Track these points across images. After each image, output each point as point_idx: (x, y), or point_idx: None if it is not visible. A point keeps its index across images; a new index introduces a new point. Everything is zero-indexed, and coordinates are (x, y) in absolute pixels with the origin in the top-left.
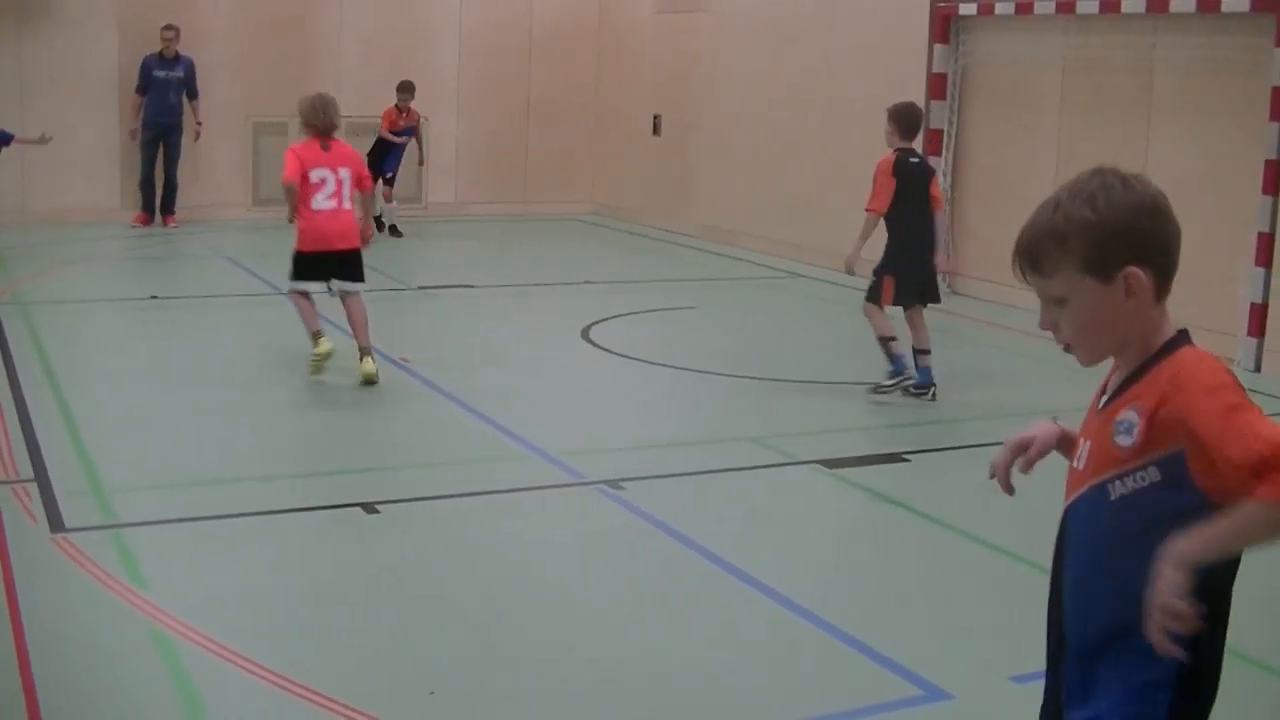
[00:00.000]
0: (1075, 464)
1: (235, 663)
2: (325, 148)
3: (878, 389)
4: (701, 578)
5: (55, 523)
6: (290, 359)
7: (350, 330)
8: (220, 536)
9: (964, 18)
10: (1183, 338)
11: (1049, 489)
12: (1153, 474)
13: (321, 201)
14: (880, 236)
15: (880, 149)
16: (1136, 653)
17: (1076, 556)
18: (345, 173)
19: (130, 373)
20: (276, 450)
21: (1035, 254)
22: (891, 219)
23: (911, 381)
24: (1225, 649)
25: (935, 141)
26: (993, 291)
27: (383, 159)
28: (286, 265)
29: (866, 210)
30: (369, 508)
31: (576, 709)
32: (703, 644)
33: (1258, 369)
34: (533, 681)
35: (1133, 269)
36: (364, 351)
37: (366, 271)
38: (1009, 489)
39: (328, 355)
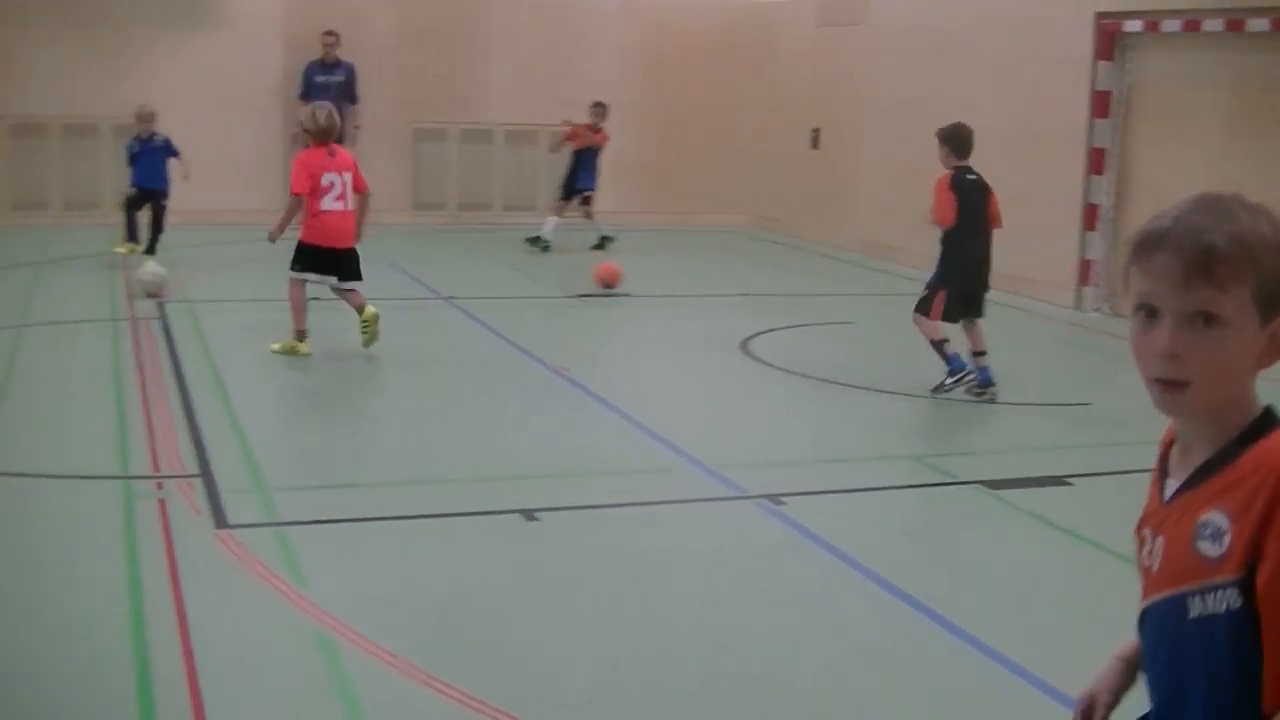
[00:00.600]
0: (1146, 559)
1: (393, 665)
2: (331, 154)
3: (940, 388)
4: (861, 596)
5: (219, 518)
6: (452, 363)
7: (350, 307)
8: (380, 538)
9: (1129, 34)
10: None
11: None
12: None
13: (330, 203)
14: (931, 246)
15: (1042, 165)
16: None
17: (1158, 671)
18: (348, 176)
19: (294, 372)
20: (438, 454)
21: (1218, 258)
22: (949, 235)
23: (974, 379)
24: None
25: (1098, 160)
26: None
27: (576, 176)
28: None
29: (935, 223)
30: (528, 515)
31: None
32: (860, 663)
33: None
34: (686, 694)
35: None
36: (360, 308)
37: (529, 281)
38: None
39: (304, 355)
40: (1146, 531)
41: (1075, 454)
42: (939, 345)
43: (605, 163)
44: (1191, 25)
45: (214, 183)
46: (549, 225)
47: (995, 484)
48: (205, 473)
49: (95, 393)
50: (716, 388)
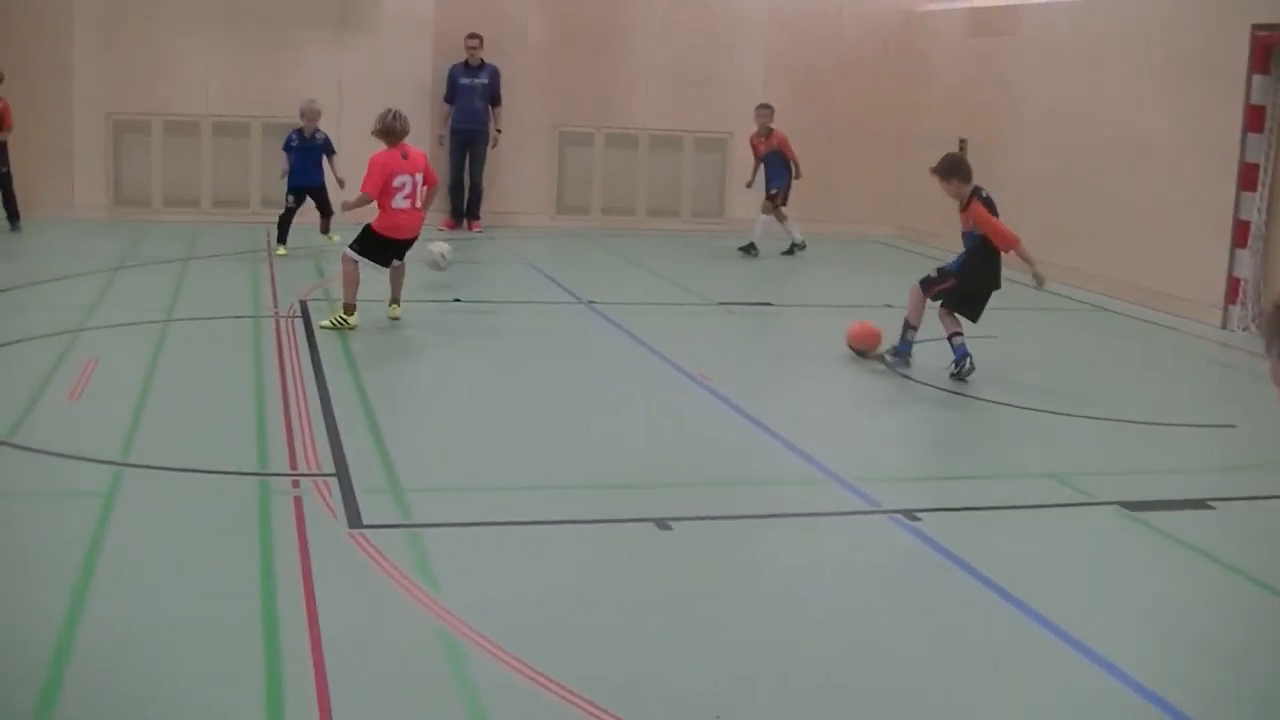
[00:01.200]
0: None
1: (521, 672)
2: (404, 155)
3: (893, 358)
4: (994, 616)
5: (353, 518)
6: (590, 368)
7: (390, 285)
8: (512, 543)
9: None
10: None
11: None
12: None
13: (400, 201)
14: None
15: (1193, 179)
16: None
17: None
18: (419, 176)
19: (432, 373)
20: (573, 460)
21: None
22: (983, 243)
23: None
24: None
25: (1250, 176)
26: None
27: (768, 182)
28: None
29: (1010, 247)
30: (661, 523)
31: None
32: (990, 680)
33: None
34: (816, 706)
35: None
36: (395, 302)
37: (671, 287)
38: None
39: (351, 327)
40: None
41: (1217, 477)
42: (911, 326)
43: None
44: None
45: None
46: (756, 229)
47: (1133, 505)
48: (341, 472)
49: (236, 390)
50: (855, 400)
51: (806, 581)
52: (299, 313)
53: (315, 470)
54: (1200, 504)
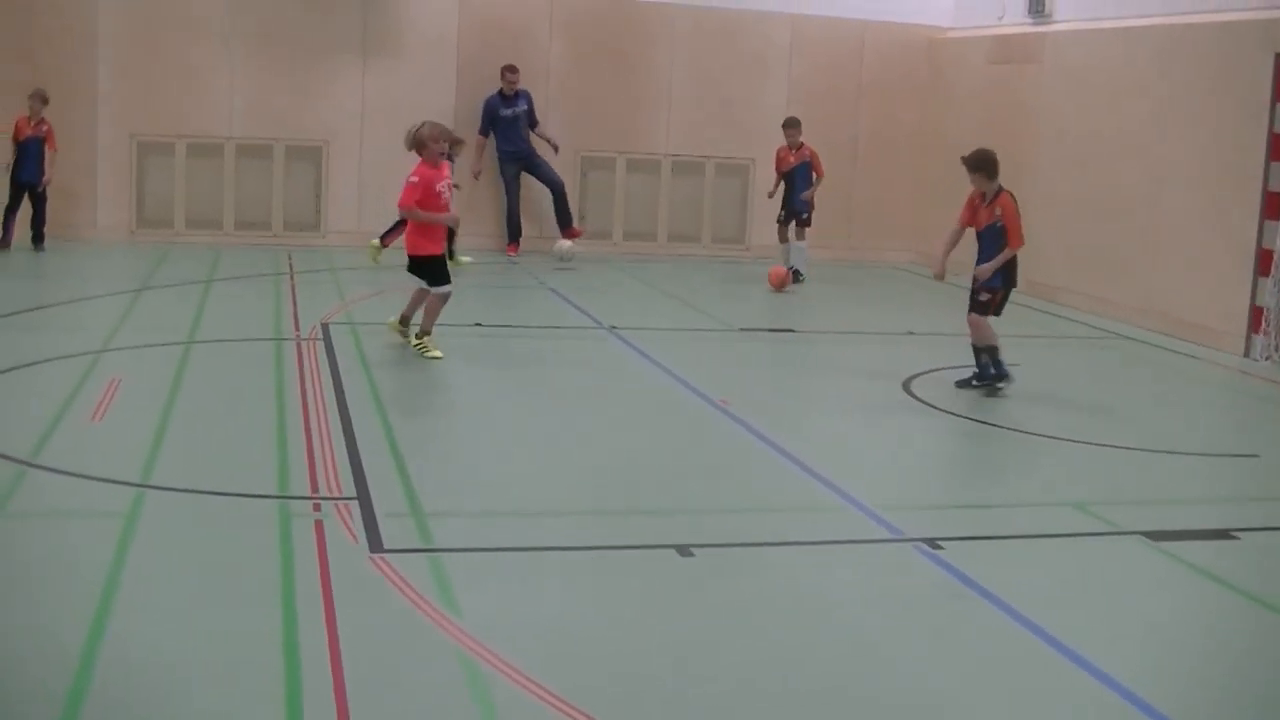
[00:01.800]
0: None
1: (543, 697)
2: (438, 166)
3: (977, 385)
4: (1017, 645)
5: (374, 542)
6: (611, 392)
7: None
8: (534, 569)
9: None
10: None
11: None
12: None
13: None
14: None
15: (1216, 207)
16: None
17: None
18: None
19: (454, 398)
20: (594, 485)
21: None
22: (1002, 241)
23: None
24: None
25: (1275, 204)
26: None
27: (789, 200)
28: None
29: (1016, 248)
30: (683, 550)
31: None
32: (1015, 710)
33: None
34: None
35: None
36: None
37: (692, 312)
38: None
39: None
40: None
41: (1241, 507)
42: (996, 350)
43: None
44: None
45: (388, 206)
46: (792, 255)
47: (1156, 535)
48: (362, 496)
49: (258, 411)
50: (877, 427)
51: (829, 609)
52: (321, 335)
53: (336, 493)
54: (1224, 534)
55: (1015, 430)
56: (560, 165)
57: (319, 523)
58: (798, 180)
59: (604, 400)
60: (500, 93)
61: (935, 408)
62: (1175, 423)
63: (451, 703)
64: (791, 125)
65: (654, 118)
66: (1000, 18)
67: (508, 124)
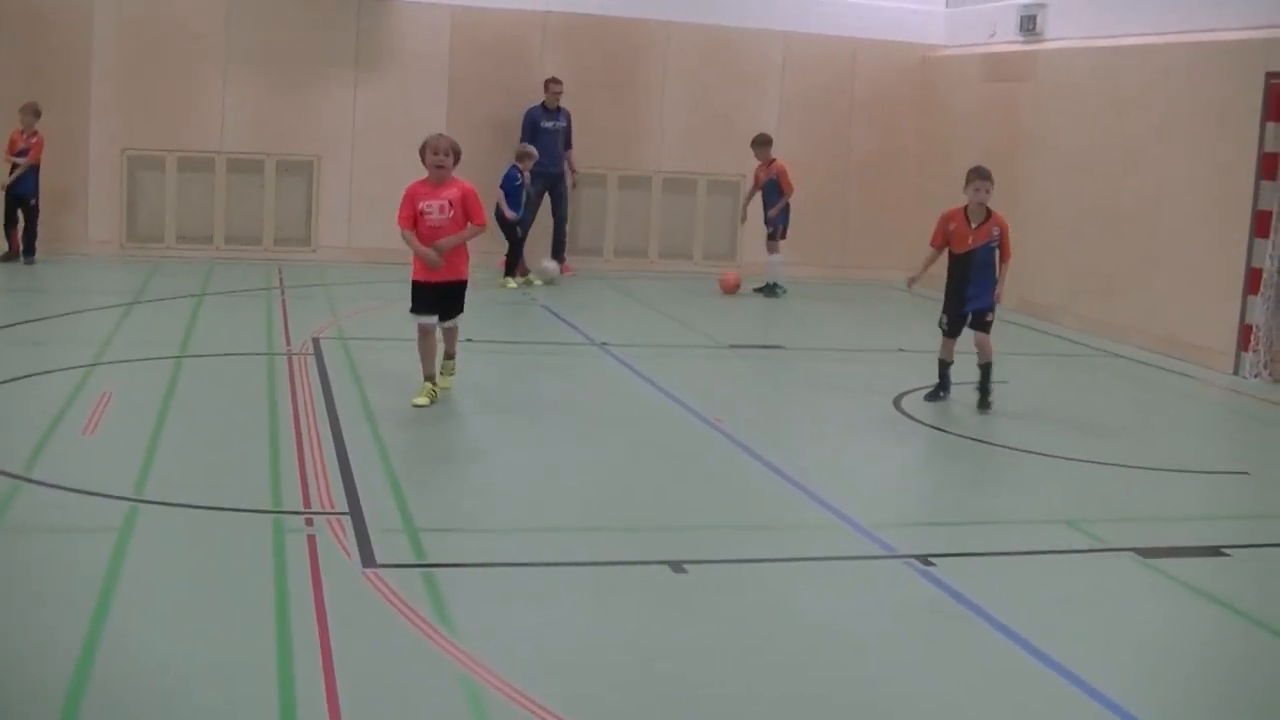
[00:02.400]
0: None
1: (538, 714)
2: (439, 183)
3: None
4: (1009, 662)
5: (367, 558)
6: (603, 409)
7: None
8: (527, 584)
9: None
10: None
11: None
12: None
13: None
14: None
15: (1207, 226)
16: None
17: None
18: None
19: (446, 414)
20: (587, 501)
21: None
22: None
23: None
24: None
25: (1264, 223)
26: None
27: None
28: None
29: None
30: (676, 566)
31: None
32: None
33: None
34: None
35: None
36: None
37: (683, 329)
38: None
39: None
40: None
41: (1232, 524)
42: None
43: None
44: None
45: (378, 221)
46: (769, 267)
47: (1147, 552)
48: (355, 511)
49: (249, 426)
50: (868, 444)
51: (821, 626)
52: (312, 350)
53: (329, 509)
54: (1215, 551)
55: (1006, 447)
56: None
57: (312, 538)
58: (768, 196)
59: (596, 417)
60: (543, 105)
61: (926, 424)
62: (1166, 440)
63: (446, 718)
64: (759, 144)
65: (646, 134)
66: (992, 35)
67: (547, 137)
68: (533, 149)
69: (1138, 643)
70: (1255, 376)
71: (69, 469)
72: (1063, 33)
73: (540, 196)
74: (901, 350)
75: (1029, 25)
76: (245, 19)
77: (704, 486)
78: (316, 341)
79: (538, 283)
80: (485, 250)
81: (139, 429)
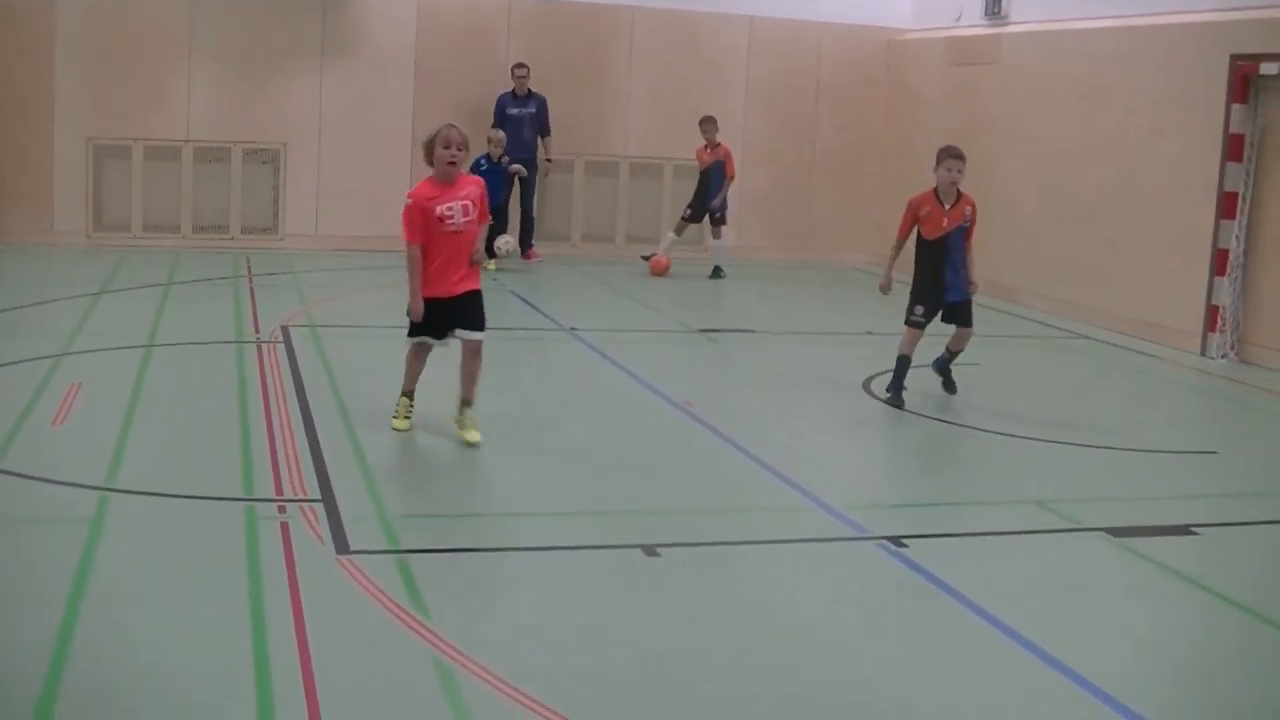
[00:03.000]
0: None
1: (513, 697)
2: (450, 181)
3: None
4: (982, 641)
5: (340, 544)
6: (573, 394)
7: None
8: (501, 569)
9: (1265, 77)
10: None
11: None
12: None
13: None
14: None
15: (1172, 208)
16: None
17: None
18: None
19: (418, 400)
20: (559, 486)
21: None
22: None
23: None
24: None
25: (1230, 204)
26: None
27: (708, 197)
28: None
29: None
30: (649, 550)
31: None
32: (977, 708)
33: None
34: None
35: None
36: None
37: (651, 314)
38: None
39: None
40: None
41: (1201, 503)
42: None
43: (732, 198)
44: None
45: (346, 210)
46: (713, 253)
47: (1119, 531)
48: (327, 498)
49: (220, 415)
50: (838, 426)
51: (794, 608)
52: (281, 338)
53: (301, 496)
54: (1184, 529)
55: (977, 429)
56: None
57: (285, 525)
58: (712, 178)
59: (566, 402)
60: (513, 91)
61: (895, 407)
62: (1135, 421)
63: (422, 703)
64: (707, 122)
65: (612, 120)
66: (957, 19)
67: (514, 124)
68: (497, 134)
69: (1110, 621)
70: (1222, 357)
71: (39, 459)
72: (1028, 16)
73: (510, 181)
74: (870, 333)
75: (994, 9)
76: (210, 7)
77: (675, 470)
78: (286, 329)
79: (491, 267)
80: None
81: (109, 419)
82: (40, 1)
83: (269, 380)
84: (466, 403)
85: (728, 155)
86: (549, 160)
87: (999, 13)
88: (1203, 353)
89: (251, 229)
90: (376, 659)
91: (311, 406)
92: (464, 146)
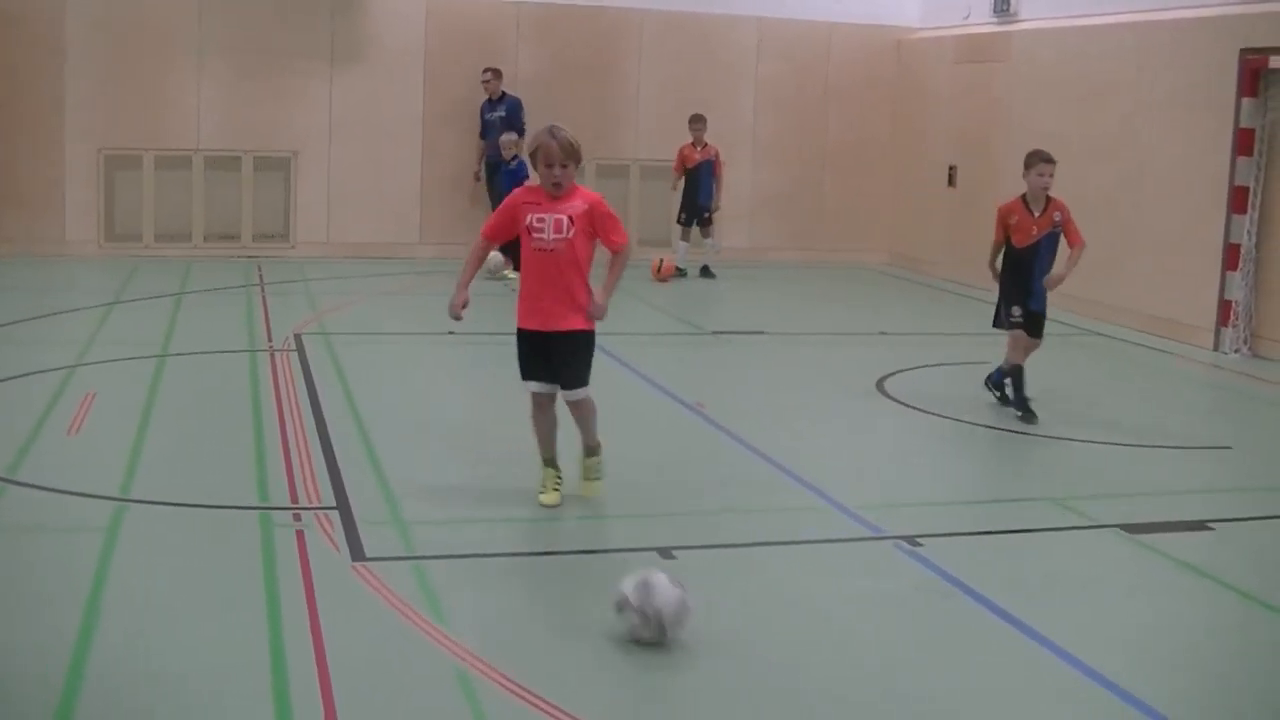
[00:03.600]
0: None
1: (533, 704)
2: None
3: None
4: (1000, 641)
5: (356, 551)
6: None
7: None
8: (516, 573)
9: (1274, 71)
10: None
11: None
12: None
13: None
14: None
15: (1184, 203)
16: None
17: None
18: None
19: (429, 405)
20: (575, 489)
21: None
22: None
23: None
24: None
25: (1241, 199)
26: None
27: (697, 195)
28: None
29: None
30: (665, 553)
31: None
32: (998, 706)
33: None
34: None
35: None
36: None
37: (663, 316)
38: None
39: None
40: None
41: (1216, 498)
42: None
43: (741, 198)
44: None
45: (357, 216)
46: (680, 252)
47: (1134, 528)
48: (342, 505)
49: (234, 423)
50: (852, 427)
51: (812, 609)
52: (294, 346)
53: (316, 503)
54: (1199, 525)
55: (990, 427)
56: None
57: (300, 533)
58: (701, 178)
59: None
60: (489, 97)
61: (910, 406)
62: (1149, 417)
63: (441, 709)
64: (697, 121)
65: (623, 122)
66: (966, 17)
67: (491, 127)
68: (509, 137)
69: (1126, 618)
70: (1235, 352)
71: (54, 470)
72: (1036, 13)
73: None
74: (883, 333)
75: (1003, 6)
76: (218, 15)
77: (690, 472)
78: (298, 337)
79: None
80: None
81: (123, 428)
82: (50, 12)
83: (282, 388)
84: (587, 450)
85: (717, 156)
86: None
87: (1008, 10)
88: (1216, 348)
89: (263, 236)
90: (393, 665)
91: (325, 414)
92: (570, 158)
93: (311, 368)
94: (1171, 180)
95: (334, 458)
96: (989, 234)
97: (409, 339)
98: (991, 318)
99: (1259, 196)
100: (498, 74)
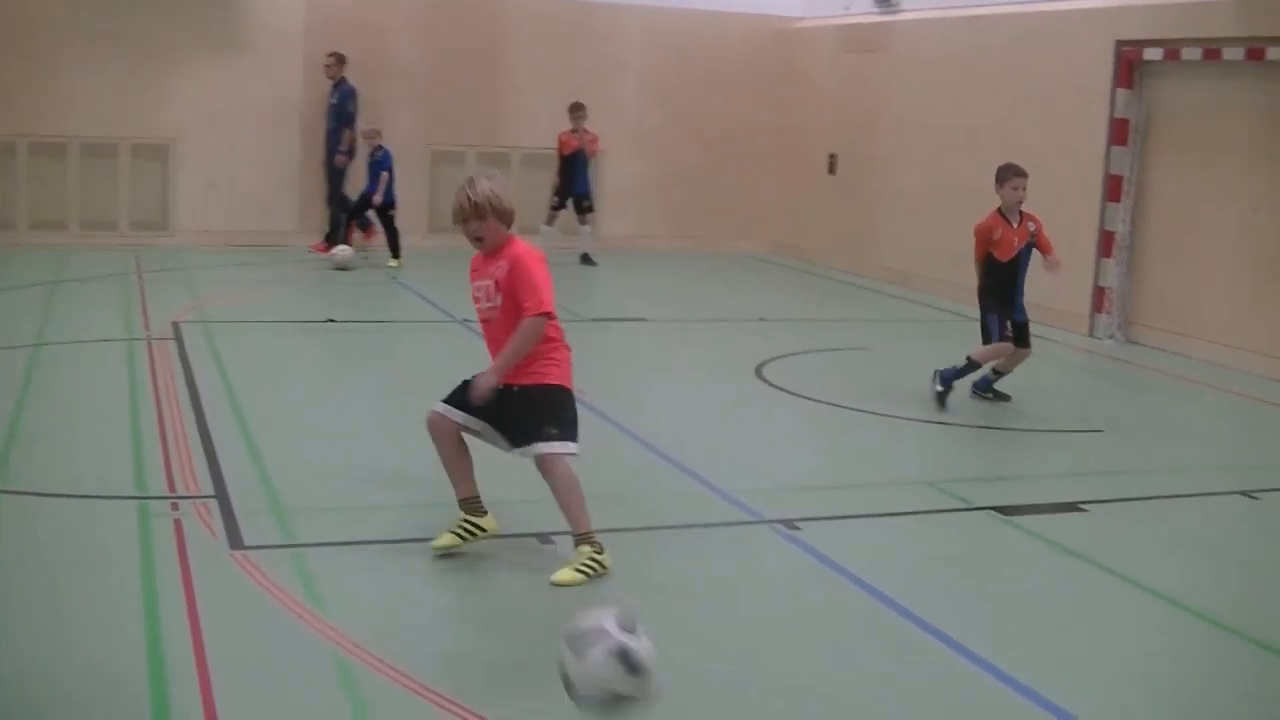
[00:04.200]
0: None
1: (411, 689)
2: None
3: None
4: (876, 621)
5: (234, 540)
6: None
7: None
8: (396, 560)
9: (1149, 63)
10: None
11: (1241, 543)
12: None
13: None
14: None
15: (1060, 192)
16: None
17: None
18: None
19: (308, 394)
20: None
21: None
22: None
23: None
24: None
25: (1116, 187)
26: (1171, 341)
27: (574, 184)
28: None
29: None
30: (544, 538)
31: None
32: (874, 686)
33: None
34: (702, 716)
35: None
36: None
37: None
38: None
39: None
40: None
41: (1088, 481)
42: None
43: (622, 187)
44: (1212, 54)
45: (236, 204)
46: (580, 240)
47: (1008, 510)
48: (221, 494)
49: (110, 413)
50: (731, 412)
51: (691, 593)
52: (172, 335)
53: (194, 492)
54: (1072, 507)
55: (867, 412)
56: (409, 160)
57: (178, 521)
58: (578, 166)
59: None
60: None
61: (788, 392)
62: (1023, 401)
63: (320, 697)
64: (577, 109)
65: (504, 110)
66: (848, 6)
67: (327, 115)
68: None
69: (1002, 597)
70: (1110, 338)
71: None
72: (918, 3)
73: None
74: (762, 320)
75: None
76: (96, 1)
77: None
78: (176, 326)
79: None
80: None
81: None
82: None
83: (160, 377)
84: (574, 539)
85: (592, 141)
86: (342, 152)
87: (889, 0)
88: (1090, 333)
89: (141, 225)
90: (273, 654)
91: (204, 402)
92: (476, 213)
93: (190, 356)
94: (1048, 168)
95: (212, 446)
96: (871, 222)
97: (288, 327)
98: (981, 337)
99: (1134, 185)
100: (339, 59)
